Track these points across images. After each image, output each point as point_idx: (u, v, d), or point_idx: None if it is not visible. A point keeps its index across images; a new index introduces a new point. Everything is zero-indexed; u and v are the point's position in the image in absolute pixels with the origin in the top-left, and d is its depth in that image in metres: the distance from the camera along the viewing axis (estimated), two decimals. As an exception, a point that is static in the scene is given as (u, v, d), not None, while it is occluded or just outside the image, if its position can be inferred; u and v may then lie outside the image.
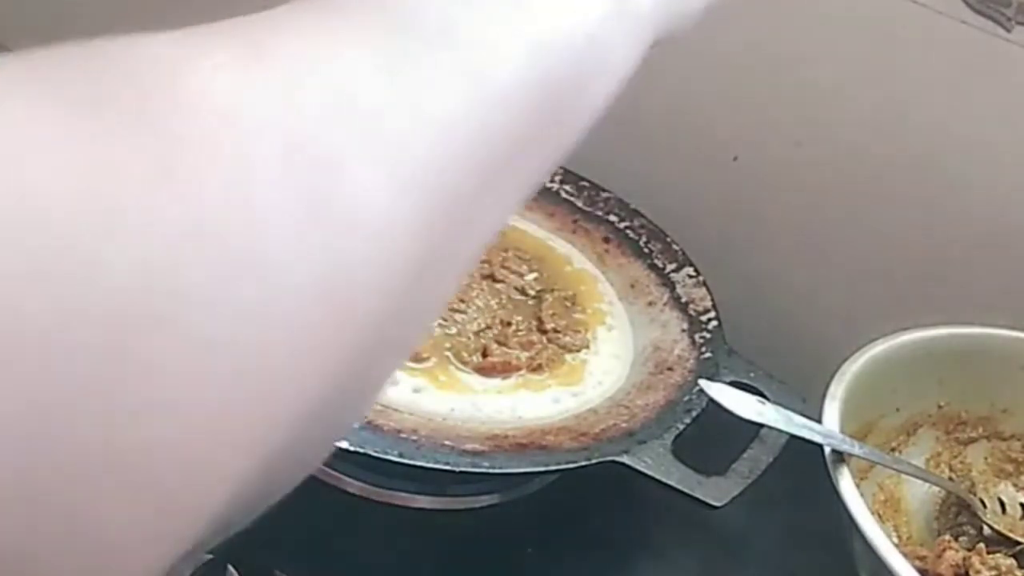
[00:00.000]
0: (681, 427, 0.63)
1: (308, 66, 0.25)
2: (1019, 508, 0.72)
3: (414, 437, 0.60)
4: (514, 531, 0.66)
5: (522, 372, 0.67)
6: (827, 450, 0.62)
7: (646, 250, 0.79)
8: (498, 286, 0.73)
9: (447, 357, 0.67)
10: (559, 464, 0.60)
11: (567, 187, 0.83)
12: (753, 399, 0.63)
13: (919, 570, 0.58)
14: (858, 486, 0.61)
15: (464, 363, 0.66)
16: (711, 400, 0.62)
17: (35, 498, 0.19)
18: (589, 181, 0.83)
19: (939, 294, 0.80)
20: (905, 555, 0.57)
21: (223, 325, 0.21)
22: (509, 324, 0.70)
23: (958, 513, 0.72)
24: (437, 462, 0.58)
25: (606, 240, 0.80)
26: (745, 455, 0.64)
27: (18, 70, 0.22)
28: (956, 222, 0.79)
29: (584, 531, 0.67)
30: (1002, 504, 0.72)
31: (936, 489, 0.73)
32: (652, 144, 0.87)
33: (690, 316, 0.74)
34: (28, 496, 0.19)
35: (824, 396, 0.66)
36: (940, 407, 0.75)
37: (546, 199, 0.82)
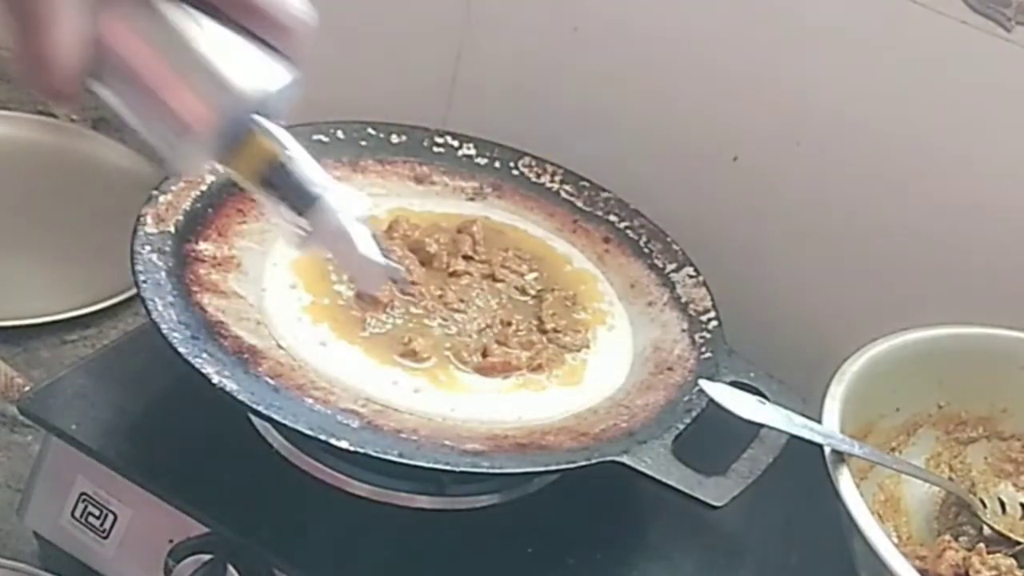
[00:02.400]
0: (681, 427, 0.63)
1: None
2: (1019, 508, 0.72)
3: (414, 437, 0.60)
4: (514, 531, 0.66)
5: (522, 372, 0.67)
6: (827, 450, 0.63)
7: (646, 250, 0.79)
8: (498, 286, 0.73)
9: (447, 357, 0.67)
10: (559, 464, 0.60)
11: (567, 187, 0.83)
12: (753, 399, 0.63)
13: (919, 570, 0.58)
14: (858, 486, 0.61)
15: (464, 363, 0.66)
16: (711, 400, 0.62)
17: None
18: (589, 181, 0.83)
19: (939, 294, 0.80)
20: (905, 555, 0.58)
21: None
22: (509, 324, 0.70)
23: (958, 513, 0.72)
24: (437, 462, 0.58)
25: (606, 240, 0.80)
26: (745, 455, 0.64)
27: None
28: (956, 222, 0.79)
29: (584, 531, 0.67)
30: (1002, 504, 0.72)
31: (936, 489, 0.73)
32: (652, 144, 0.87)
33: (690, 316, 0.74)
34: None
35: (824, 396, 0.66)
36: (940, 407, 0.75)
37: (546, 199, 0.82)
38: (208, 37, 0.49)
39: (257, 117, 0.50)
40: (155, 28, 0.49)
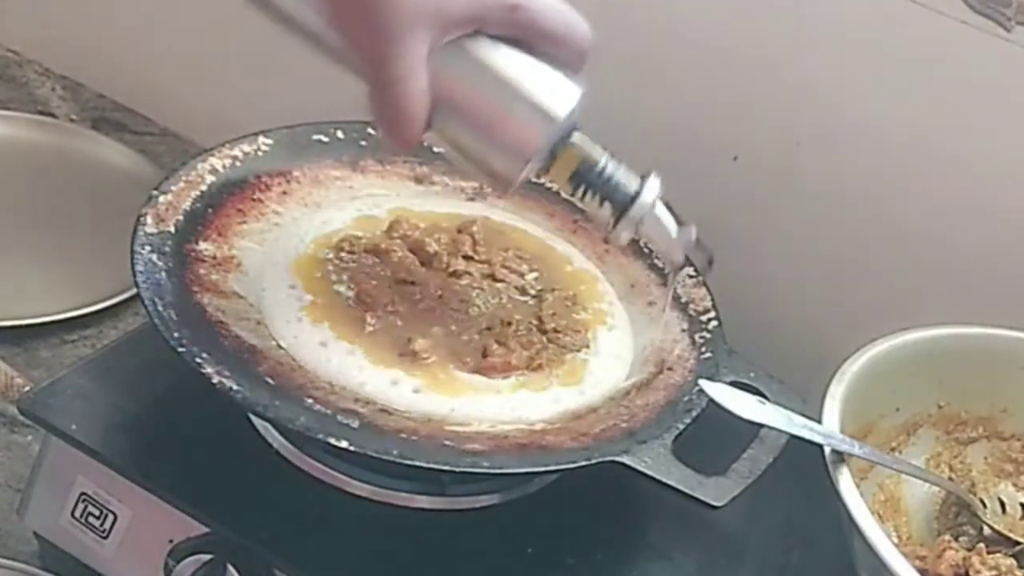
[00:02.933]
0: (681, 427, 0.63)
1: None
2: (1019, 508, 0.72)
3: (414, 437, 0.60)
4: (514, 531, 0.66)
5: (522, 372, 0.67)
6: (827, 450, 0.63)
7: (646, 250, 0.79)
8: (498, 286, 0.73)
9: (447, 357, 0.67)
10: (559, 464, 0.60)
11: (567, 187, 0.83)
12: (753, 399, 0.63)
13: (919, 570, 0.58)
14: (858, 486, 0.61)
15: (464, 363, 0.66)
16: (711, 400, 0.62)
17: None
18: (589, 181, 0.83)
19: (939, 294, 0.80)
20: (905, 555, 0.58)
21: None
22: (509, 324, 0.70)
23: (958, 513, 0.72)
24: (437, 462, 0.58)
25: (606, 240, 0.80)
26: (745, 455, 0.63)
27: None
28: (956, 222, 0.79)
29: (584, 531, 0.67)
30: (1002, 504, 0.72)
31: (936, 489, 0.73)
32: (652, 144, 0.87)
33: (690, 316, 0.74)
34: None
35: (824, 396, 0.66)
36: (940, 407, 0.75)
37: (546, 199, 0.82)
38: (516, 67, 0.57)
39: (572, 133, 0.59)
40: (475, 69, 0.56)
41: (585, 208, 0.61)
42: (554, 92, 0.57)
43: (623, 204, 0.59)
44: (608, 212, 0.60)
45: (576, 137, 0.60)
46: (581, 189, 0.60)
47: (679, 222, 0.61)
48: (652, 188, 0.59)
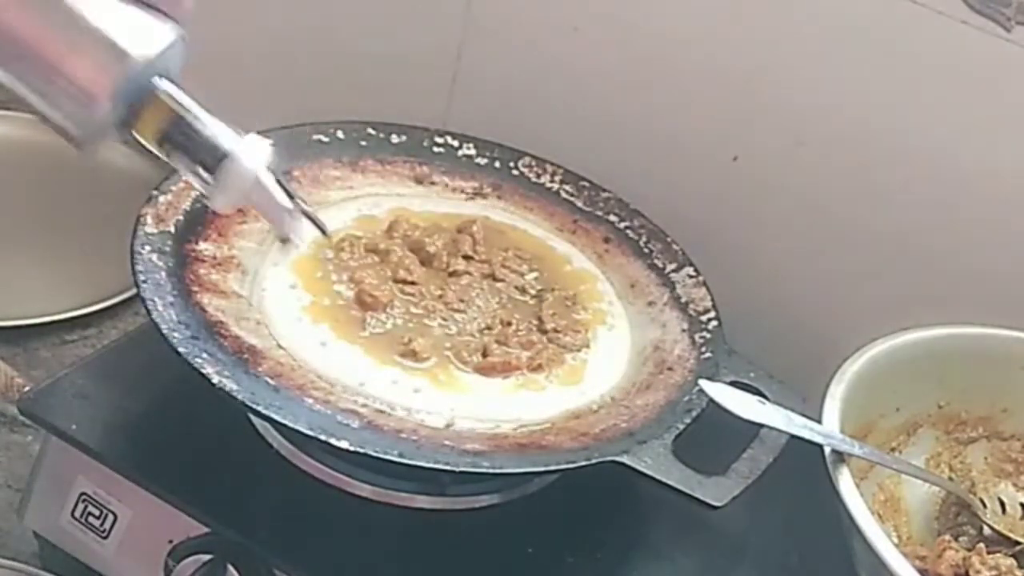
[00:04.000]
0: (681, 427, 0.63)
1: None
2: (1019, 508, 0.72)
3: (414, 437, 0.60)
4: (514, 531, 0.66)
5: (522, 372, 0.67)
6: (827, 450, 0.63)
7: (646, 250, 0.79)
8: (498, 286, 0.73)
9: (447, 357, 0.67)
10: (559, 464, 0.60)
11: (567, 187, 0.83)
12: (753, 399, 0.63)
13: (919, 570, 0.58)
14: (858, 486, 0.61)
15: (464, 363, 0.66)
16: (711, 400, 0.62)
17: None
18: (589, 181, 0.83)
19: (939, 294, 0.80)
20: (905, 555, 0.58)
21: None
22: (509, 324, 0.70)
23: (958, 513, 0.72)
24: (437, 462, 0.58)
25: (606, 240, 0.80)
26: (745, 455, 0.64)
27: None
28: (956, 222, 0.79)
29: (584, 531, 0.67)
30: (1002, 504, 0.72)
31: (936, 489, 0.73)
32: (652, 144, 0.87)
33: (690, 316, 0.74)
34: None
35: (824, 396, 0.66)
36: (940, 407, 0.75)
37: (546, 199, 0.82)
38: (90, 3, 0.50)
39: (156, 80, 0.52)
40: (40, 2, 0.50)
41: (181, 173, 0.54)
42: (134, 30, 0.50)
43: (210, 166, 0.53)
44: (201, 176, 0.53)
45: (163, 88, 0.52)
46: (171, 148, 0.53)
47: (289, 195, 0.55)
48: (252, 150, 0.53)
